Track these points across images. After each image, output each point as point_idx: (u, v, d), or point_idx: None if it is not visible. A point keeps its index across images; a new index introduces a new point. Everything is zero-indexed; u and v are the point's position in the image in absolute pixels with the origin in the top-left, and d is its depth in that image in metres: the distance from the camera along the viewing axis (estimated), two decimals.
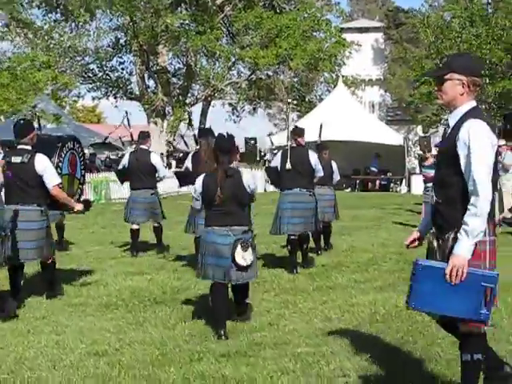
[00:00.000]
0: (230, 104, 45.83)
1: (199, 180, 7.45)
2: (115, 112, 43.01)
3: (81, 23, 39.87)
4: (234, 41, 41.52)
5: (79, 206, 8.70)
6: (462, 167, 4.44)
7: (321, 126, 13.61)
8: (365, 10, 63.52)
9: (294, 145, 11.16)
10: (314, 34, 41.43)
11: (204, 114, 44.10)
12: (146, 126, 38.71)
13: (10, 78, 31.94)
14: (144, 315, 8.06)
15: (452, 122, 4.61)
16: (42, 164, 8.10)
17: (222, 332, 7.01)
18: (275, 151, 25.69)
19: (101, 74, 43.37)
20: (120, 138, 16.89)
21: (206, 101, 43.31)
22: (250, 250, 7.22)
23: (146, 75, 42.27)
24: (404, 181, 33.93)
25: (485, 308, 4.37)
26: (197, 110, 44.90)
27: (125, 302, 8.72)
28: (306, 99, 44.69)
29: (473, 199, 4.35)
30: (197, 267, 7.66)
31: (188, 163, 11.38)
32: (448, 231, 4.54)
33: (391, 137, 33.68)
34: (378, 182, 35.97)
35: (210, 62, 42.16)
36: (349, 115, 32.56)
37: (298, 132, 11.43)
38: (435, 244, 4.70)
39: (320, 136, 13.48)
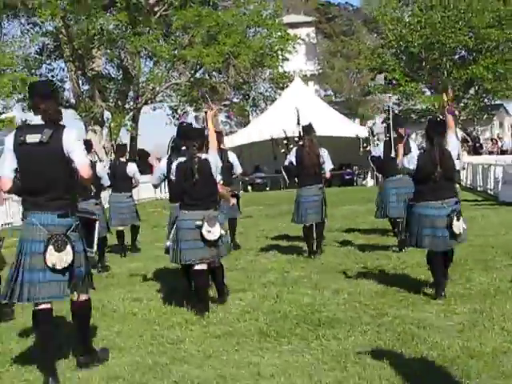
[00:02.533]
0: (171, 107, 44.34)
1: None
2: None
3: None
4: (174, 41, 40.02)
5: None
6: None
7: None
8: (290, 6, 63.11)
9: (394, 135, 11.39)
10: (258, 29, 40.43)
11: (135, 119, 42.43)
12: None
13: None
14: None
15: None
16: None
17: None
18: None
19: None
20: None
21: (146, 104, 41.75)
22: (217, 225, 7.92)
23: (80, 81, 40.27)
24: (370, 174, 33.13)
25: None
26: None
27: None
28: (251, 97, 43.70)
29: None
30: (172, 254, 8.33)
31: (292, 158, 12.23)
32: None
33: (353, 130, 32.89)
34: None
35: (148, 65, 40.92)
36: (308, 110, 31.64)
37: (398, 123, 12.00)
38: None
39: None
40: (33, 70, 40.42)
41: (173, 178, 8.39)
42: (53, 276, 5.79)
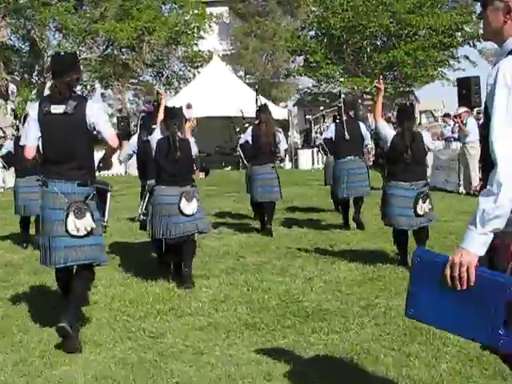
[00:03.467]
0: (81, 83, 42.87)
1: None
2: None
3: None
4: (85, 14, 38.73)
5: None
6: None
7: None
8: None
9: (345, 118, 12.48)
10: (174, 6, 39.57)
11: (40, 93, 40.92)
12: None
13: None
14: None
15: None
16: None
17: None
18: None
19: None
20: None
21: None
22: (194, 200, 8.27)
23: None
24: (287, 156, 32.77)
25: (503, 330, 3.02)
26: None
27: None
28: (164, 75, 42.79)
29: (491, 172, 3.05)
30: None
31: (248, 137, 12.34)
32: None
33: (274, 111, 32.33)
34: None
35: (57, 38, 39.49)
36: (227, 90, 31.08)
37: (349, 106, 13.07)
38: None
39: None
40: None
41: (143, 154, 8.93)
42: (76, 241, 6.04)
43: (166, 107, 8.94)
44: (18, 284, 8.65)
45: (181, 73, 43.36)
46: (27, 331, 6.55)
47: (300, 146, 33.33)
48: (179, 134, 8.42)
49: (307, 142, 31.56)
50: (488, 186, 3.01)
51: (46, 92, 7.26)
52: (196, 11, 38.71)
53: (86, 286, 6.55)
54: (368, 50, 32.46)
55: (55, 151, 6.13)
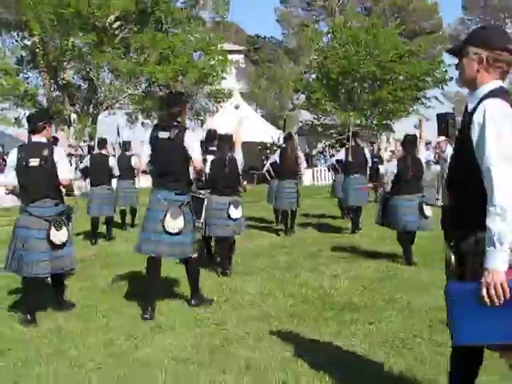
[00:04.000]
0: (127, 113, 42.76)
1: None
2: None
3: None
4: (132, 58, 38.63)
5: None
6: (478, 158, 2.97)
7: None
8: (224, 36, 62.21)
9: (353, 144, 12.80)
10: (202, 53, 39.44)
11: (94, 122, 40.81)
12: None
13: None
14: None
15: (470, 107, 3.10)
16: None
17: None
18: None
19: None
20: None
21: (107, 110, 40.27)
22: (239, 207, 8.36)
23: (52, 88, 38.53)
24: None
25: None
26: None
27: None
28: (193, 109, 42.50)
29: (489, 196, 2.86)
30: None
31: (276, 157, 12.38)
32: (469, 240, 3.04)
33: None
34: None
35: (110, 78, 39.36)
36: (248, 120, 30.81)
37: (355, 136, 13.16)
38: (453, 260, 3.20)
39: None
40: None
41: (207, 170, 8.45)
42: (171, 239, 6.20)
43: (218, 134, 9.19)
44: (93, 276, 8.30)
45: (206, 106, 42.99)
46: (109, 317, 6.22)
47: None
48: (229, 154, 8.49)
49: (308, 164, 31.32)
50: (491, 209, 2.81)
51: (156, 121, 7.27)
52: (220, 57, 38.36)
53: (198, 272, 6.78)
54: (358, 90, 32.15)
55: (160, 167, 6.34)
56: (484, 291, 2.80)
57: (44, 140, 6.19)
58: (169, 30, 40.63)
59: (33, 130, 6.16)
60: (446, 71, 32.58)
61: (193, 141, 6.34)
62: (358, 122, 30.36)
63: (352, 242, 11.00)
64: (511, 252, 2.81)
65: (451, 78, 31.65)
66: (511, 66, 3.09)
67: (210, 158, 8.49)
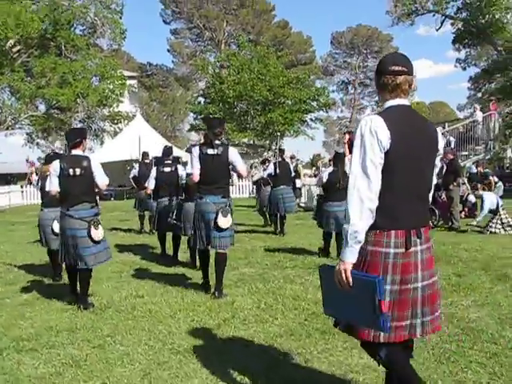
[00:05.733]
0: (27, 133, 40.24)
1: None
2: None
3: None
4: (34, 81, 36.26)
5: None
6: None
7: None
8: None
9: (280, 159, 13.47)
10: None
11: None
12: None
13: None
14: None
15: None
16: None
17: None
18: None
19: None
20: None
21: (6, 130, 37.56)
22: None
23: None
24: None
25: (376, 315, 2.89)
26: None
27: None
28: (93, 129, 40.58)
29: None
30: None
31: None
32: None
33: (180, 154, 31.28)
34: None
35: (10, 99, 36.75)
36: (149, 139, 29.58)
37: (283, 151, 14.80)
38: None
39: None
40: None
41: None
42: (221, 233, 6.78)
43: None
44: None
45: (105, 127, 41.26)
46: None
47: None
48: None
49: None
50: (346, 212, 2.98)
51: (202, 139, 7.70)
52: (119, 81, 36.88)
53: (225, 265, 6.97)
54: (252, 112, 31.90)
55: (208, 177, 6.82)
56: (335, 276, 2.97)
57: (81, 153, 6.53)
58: (69, 56, 38.85)
59: (73, 145, 6.49)
60: (328, 96, 33.21)
61: (236, 155, 7.02)
62: (251, 141, 30.17)
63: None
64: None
65: (334, 103, 32.23)
66: (400, 86, 3.10)
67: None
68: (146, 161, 13.97)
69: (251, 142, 30.22)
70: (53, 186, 6.49)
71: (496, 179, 20.47)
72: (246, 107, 31.68)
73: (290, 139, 34.36)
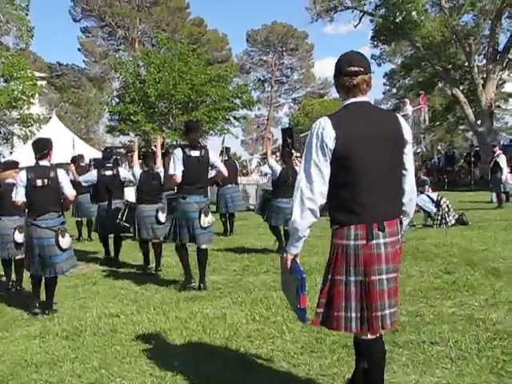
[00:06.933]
0: None
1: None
2: None
3: None
4: None
5: None
6: None
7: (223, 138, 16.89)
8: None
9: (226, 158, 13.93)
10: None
11: None
12: None
13: None
14: None
15: None
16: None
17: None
18: None
19: None
20: None
21: None
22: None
23: None
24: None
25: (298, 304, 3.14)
26: None
27: None
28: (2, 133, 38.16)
29: None
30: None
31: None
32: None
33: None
34: None
35: None
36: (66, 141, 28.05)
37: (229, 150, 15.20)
38: None
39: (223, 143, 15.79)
40: None
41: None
42: (203, 230, 7.15)
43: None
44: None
45: (15, 131, 38.92)
46: None
47: None
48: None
49: None
50: None
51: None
52: (30, 82, 34.83)
53: (207, 259, 7.40)
54: (174, 111, 30.94)
55: (191, 178, 7.07)
56: (281, 262, 3.27)
57: (48, 164, 6.47)
58: None
59: (40, 157, 6.42)
60: (250, 94, 32.80)
61: (216, 157, 7.73)
62: (175, 142, 29.22)
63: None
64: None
65: (258, 100, 31.83)
66: (358, 86, 3.10)
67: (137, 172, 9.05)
68: (81, 164, 13.45)
69: (174, 142, 29.20)
70: (19, 196, 6.38)
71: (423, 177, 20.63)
72: (167, 106, 30.62)
73: (217, 138, 33.67)
